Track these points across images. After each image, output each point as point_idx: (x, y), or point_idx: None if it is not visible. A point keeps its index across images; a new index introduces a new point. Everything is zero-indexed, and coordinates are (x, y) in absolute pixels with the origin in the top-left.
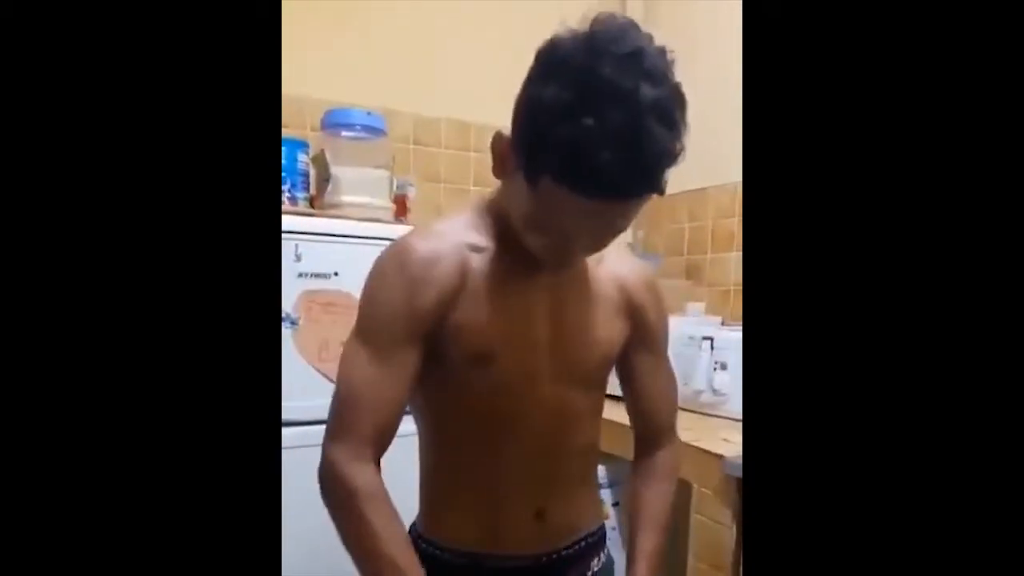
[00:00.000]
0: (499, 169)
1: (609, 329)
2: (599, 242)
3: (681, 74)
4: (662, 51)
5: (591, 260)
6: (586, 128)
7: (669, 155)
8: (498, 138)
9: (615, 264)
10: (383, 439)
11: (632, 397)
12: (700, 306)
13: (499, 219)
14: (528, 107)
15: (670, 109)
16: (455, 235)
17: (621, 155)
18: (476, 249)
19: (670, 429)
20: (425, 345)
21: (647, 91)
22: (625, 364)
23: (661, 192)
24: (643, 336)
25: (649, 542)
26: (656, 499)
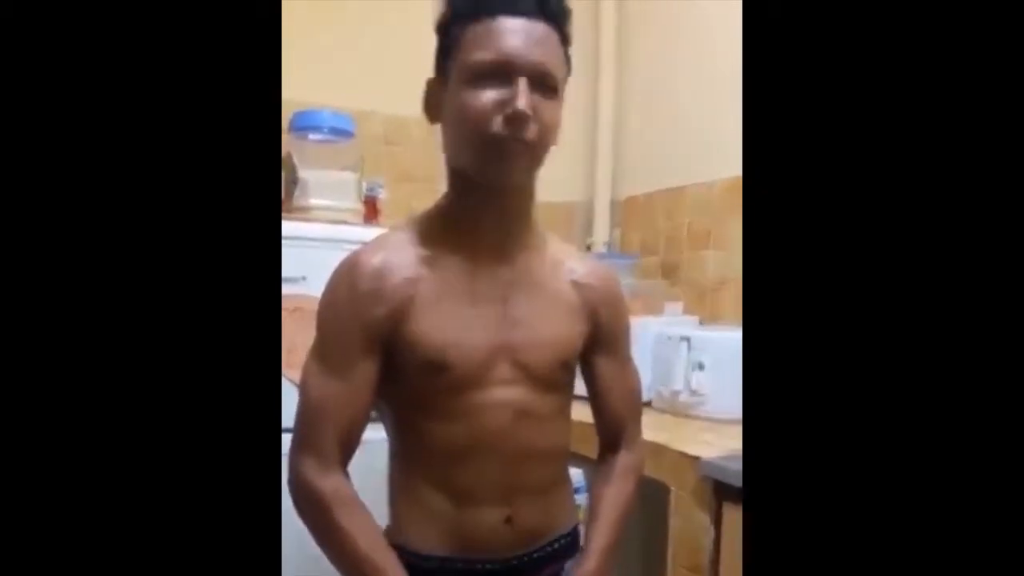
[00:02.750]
0: (433, 109)
1: (565, 330)
2: (528, 123)
3: (660, 74)
4: None
5: (547, 262)
6: None
7: None
8: (429, 82)
9: (573, 265)
10: (348, 450)
11: (594, 399)
12: (678, 306)
13: (444, 228)
14: (438, 23)
15: None
16: (403, 246)
17: None
18: (425, 259)
19: (633, 431)
20: (382, 355)
21: None
22: (587, 365)
23: (553, 17)
24: (603, 337)
25: (602, 538)
26: (613, 497)
